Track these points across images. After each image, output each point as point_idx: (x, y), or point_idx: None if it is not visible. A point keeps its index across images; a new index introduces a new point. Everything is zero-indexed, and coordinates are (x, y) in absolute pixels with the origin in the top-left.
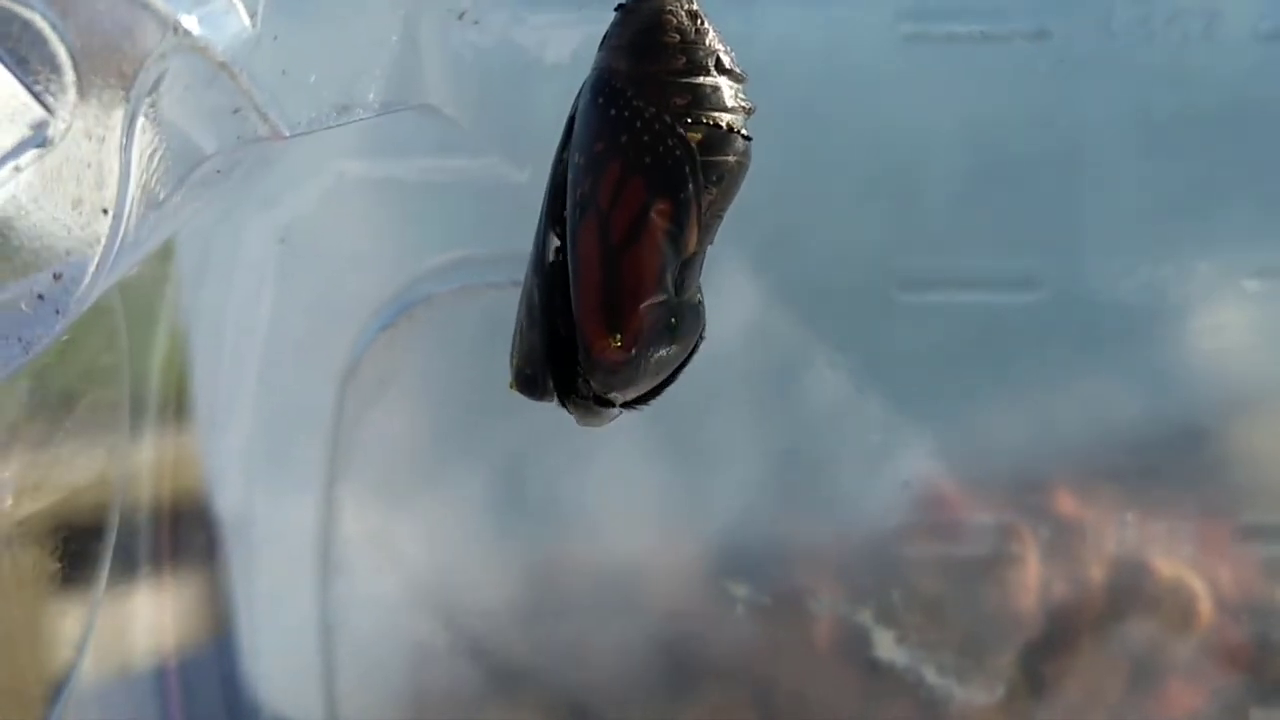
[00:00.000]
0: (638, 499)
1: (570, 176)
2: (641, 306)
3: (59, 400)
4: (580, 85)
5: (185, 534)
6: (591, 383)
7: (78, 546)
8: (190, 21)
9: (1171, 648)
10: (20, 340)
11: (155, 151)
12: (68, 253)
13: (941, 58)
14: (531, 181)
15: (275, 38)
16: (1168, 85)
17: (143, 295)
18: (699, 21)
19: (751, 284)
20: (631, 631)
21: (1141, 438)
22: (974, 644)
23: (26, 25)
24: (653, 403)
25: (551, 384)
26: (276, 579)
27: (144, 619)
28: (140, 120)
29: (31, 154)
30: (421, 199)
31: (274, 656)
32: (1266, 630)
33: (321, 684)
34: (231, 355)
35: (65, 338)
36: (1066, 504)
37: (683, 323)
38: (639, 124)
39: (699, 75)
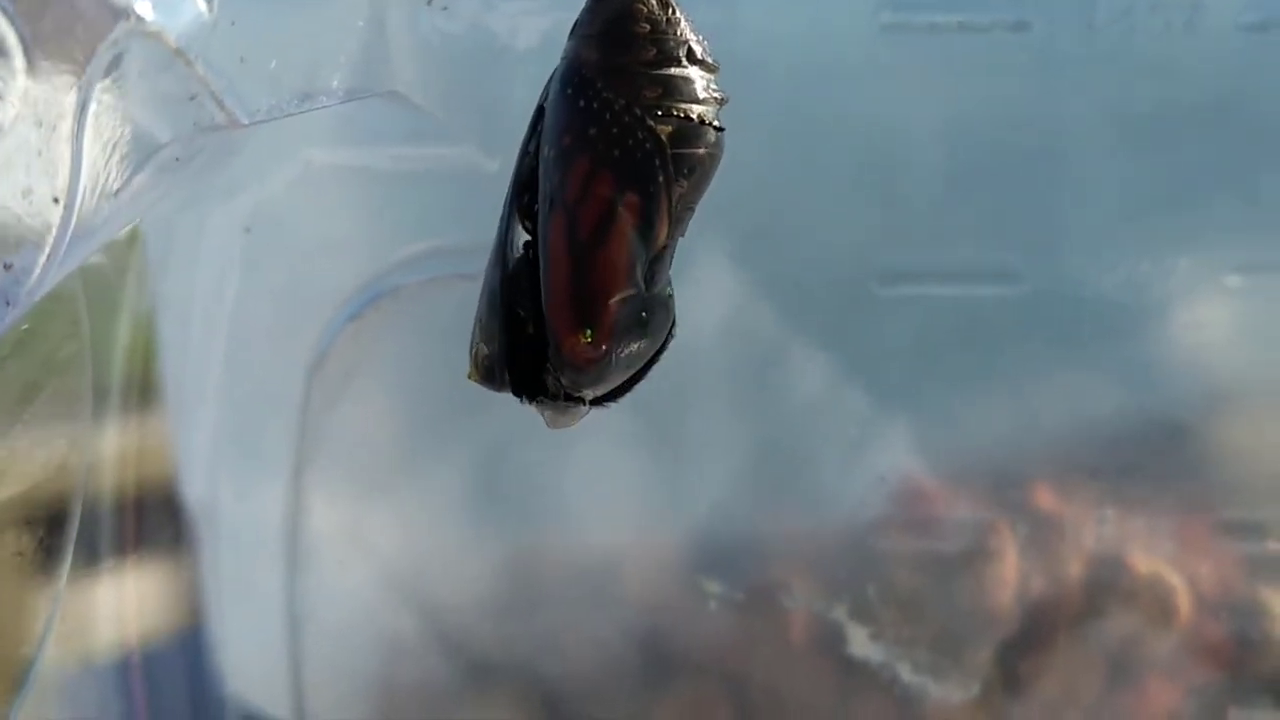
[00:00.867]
0: (614, 491)
1: (540, 170)
2: (612, 302)
3: (20, 390)
4: (550, 74)
5: (151, 524)
6: (561, 379)
7: (40, 537)
8: (144, 7)
9: (1149, 645)
10: None
11: (109, 140)
12: (18, 243)
13: (922, 49)
14: (503, 171)
15: (233, 23)
16: (1149, 78)
17: (106, 283)
18: (670, 10)
19: (731, 277)
20: (606, 624)
21: (1121, 433)
22: (950, 640)
23: None
24: (624, 398)
25: (508, 376)
26: (244, 569)
27: (108, 609)
28: (92, 107)
29: None
30: (391, 188)
31: (241, 648)
32: (1245, 628)
33: (290, 676)
34: (198, 344)
35: (25, 326)
36: (1045, 499)
37: (653, 317)
38: (608, 116)
39: (670, 66)
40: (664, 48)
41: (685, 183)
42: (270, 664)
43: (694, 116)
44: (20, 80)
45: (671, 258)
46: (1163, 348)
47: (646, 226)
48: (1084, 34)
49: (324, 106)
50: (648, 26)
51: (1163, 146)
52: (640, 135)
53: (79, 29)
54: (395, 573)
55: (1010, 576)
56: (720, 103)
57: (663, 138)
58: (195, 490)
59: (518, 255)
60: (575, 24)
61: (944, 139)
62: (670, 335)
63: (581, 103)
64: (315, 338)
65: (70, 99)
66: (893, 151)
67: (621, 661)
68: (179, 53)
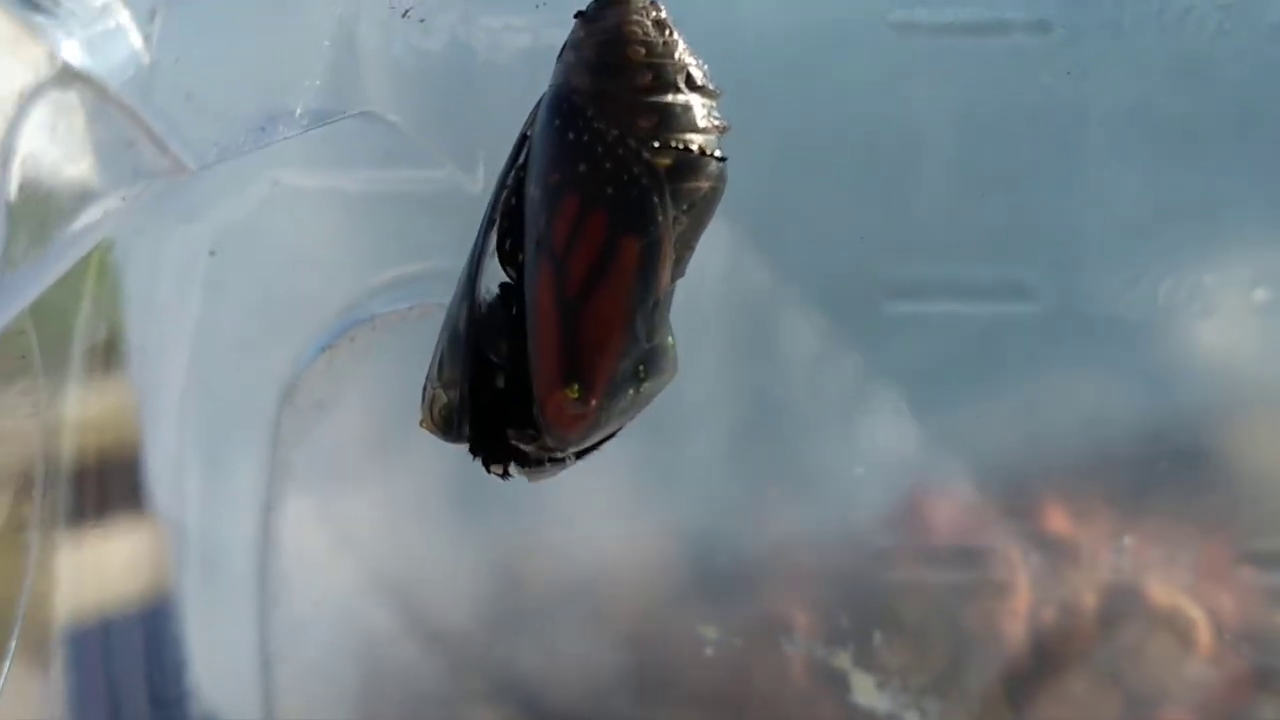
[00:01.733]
0: (610, 510)
1: (526, 211)
2: (606, 359)
3: None
4: (536, 101)
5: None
6: (547, 439)
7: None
8: (72, 49)
9: (1167, 678)
10: None
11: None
12: None
13: (934, 50)
14: (486, 193)
15: (176, 59)
16: (1176, 83)
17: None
18: (667, 32)
19: (732, 290)
20: (594, 637)
21: (1139, 458)
22: (956, 675)
23: None
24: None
25: (468, 432)
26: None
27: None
28: (18, 158)
29: None
30: (364, 211)
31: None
32: (1268, 661)
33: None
34: (163, 373)
35: None
36: (1060, 525)
37: (652, 368)
38: (600, 150)
39: (667, 93)
40: (661, 73)
41: (685, 219)
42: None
43: (694, 148)
44: None
45: (670, 302)
46: (1185, 369)
47: (645, 273)
48: (1110, 37)
49: (286, 138)
50: (643, 50)
51: (1188, 154)
52: (636, 170)
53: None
54: (374, 567)
55: (1022, 608)
56: (722, 131)
57: (660, 172)
58: (164, 494)
59: (491, 295)
60: (563, 47)
61: (956, 146)
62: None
63: (571, 135)
64: (287, 368)
65: None
66: (901, 159)
67: (609, 671)
68: (111, 97)
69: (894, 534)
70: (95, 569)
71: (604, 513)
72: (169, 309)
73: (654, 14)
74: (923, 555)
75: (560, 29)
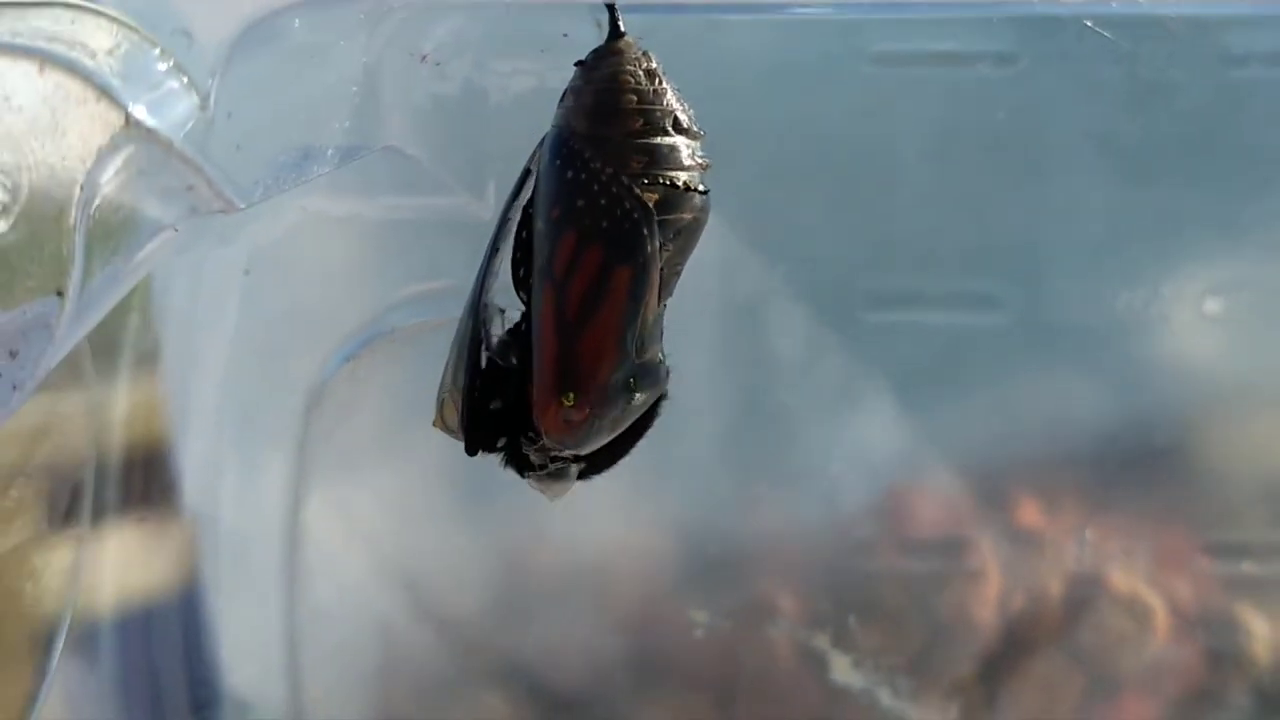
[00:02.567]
0: (609, 504)
1: (534, 243)
2: (600, 373)
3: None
4: (539, 139)
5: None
6: (545, 440)
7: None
8: (141, 110)
9: (1128, 660)
10: None
11: (109, 232)
12: (23, 333)
13: (910, 79)
14: (494, 218)
15: (229, 115)
16: (1133, 110)
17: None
18: (657, 81)
19: (717, 300)
20: (597, 626)
21: (1103, 455)
22: (930, 657)
23: None
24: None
25: (467, 434)
26: (242, 557)
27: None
28: (95, 203)
29: None
30: (385, 235)
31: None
32: (1221, 644)
33: (286, 661)
34: (198, 379)
35: None
36: (1029, 518)
37: (642, 382)
38: (596, 187)
39: (656, 136)
40: (650, 118)
41: (672, 246)
42: (269, 661)
43: (680, 183)
44: (25, 177)
45: (660, 323)
46: (1144, 373)
47: (636, 295)
48: (1071, 66)
49: (319, 175)
50: (635, 98)
51: (1144, 176)
52: (628, 204)
53: (76, 136)
54: (391, 558)
55: (993, 594)
56: (704, 168)
57: (649, 204)
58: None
59: (497, 311)
60: (565, 92)
61: (930, 168)
62: (661, 402)
63: (569, 174)
64: (313, 375)
65: (74, 194)
66: (880, 180)
67: (609, 653)
68: (176, 151)
69: (874, 526)
70: (137, 561)
71: (604, 507)
72: (207, 321)
73: (645, 64)
74: (901, 545)
75: (563, 73)
